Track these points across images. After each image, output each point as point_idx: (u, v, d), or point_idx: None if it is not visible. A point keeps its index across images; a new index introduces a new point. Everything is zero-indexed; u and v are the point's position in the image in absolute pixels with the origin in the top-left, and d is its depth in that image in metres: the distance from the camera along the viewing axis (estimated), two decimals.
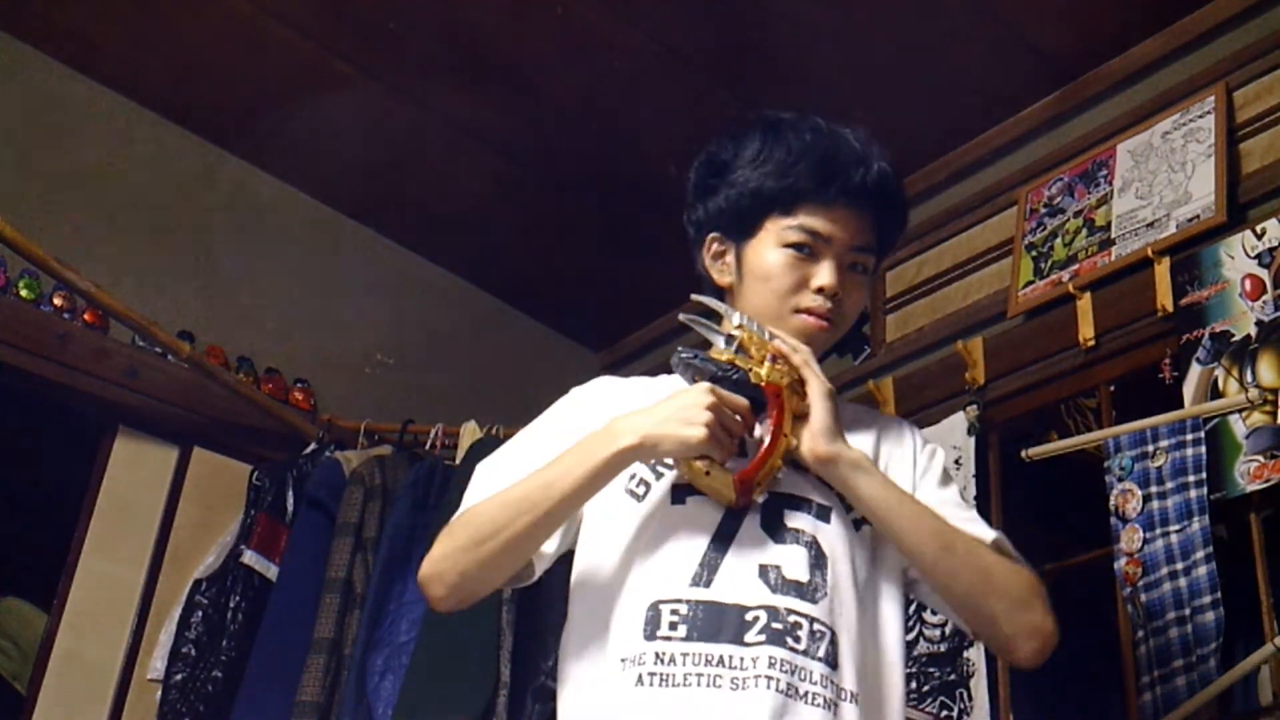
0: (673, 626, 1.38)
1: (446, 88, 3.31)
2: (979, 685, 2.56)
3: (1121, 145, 2.88)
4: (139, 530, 3.11)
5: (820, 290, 1.52)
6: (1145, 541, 2.36)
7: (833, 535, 1.48)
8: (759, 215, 1.54)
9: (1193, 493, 2.33)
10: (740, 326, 1.48)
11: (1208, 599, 2.22)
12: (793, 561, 1.44)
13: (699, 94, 3.16)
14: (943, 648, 2.65)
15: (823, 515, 1.49)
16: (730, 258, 1.59)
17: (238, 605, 2.97)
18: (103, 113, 3.34)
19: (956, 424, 2.82)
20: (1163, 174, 2.74)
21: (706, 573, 1.42)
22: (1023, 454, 2.65)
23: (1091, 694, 3.22)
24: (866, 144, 1.57)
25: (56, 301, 3.06)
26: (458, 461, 3.08)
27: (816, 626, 1.40)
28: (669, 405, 1.41)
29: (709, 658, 1.37)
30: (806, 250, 1.52)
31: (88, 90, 3.32)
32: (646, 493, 1.48)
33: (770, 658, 1.36)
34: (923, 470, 1.61)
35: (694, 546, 1.44)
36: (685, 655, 1.37)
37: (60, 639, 2.96)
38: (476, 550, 1.44)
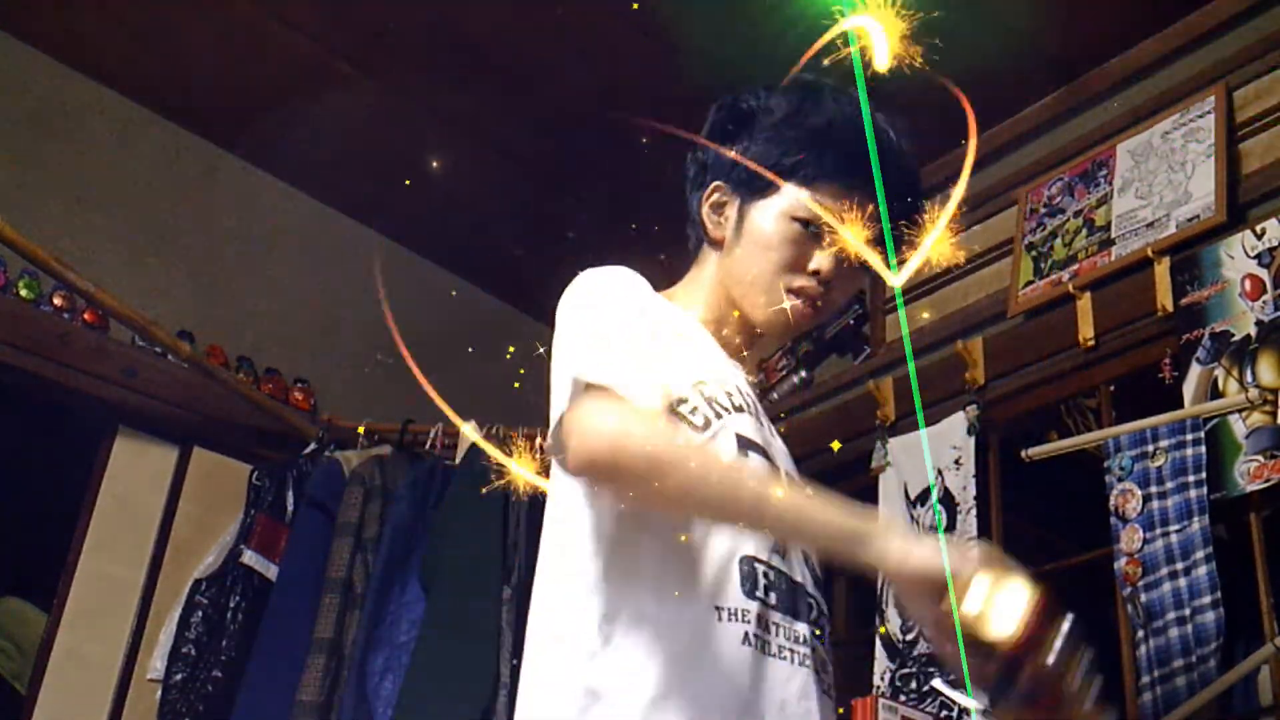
0: (767, 591, 1.30)
1: (446, 88, 3.31)
2: None
3: (1121, 145, 2.88)
4: (139, 530, 3.12)
5: (815, 274, 1.43)
6: (1145, 541, 2.36)
7: None
8: (776, 178, 1.43)
9: (1193, 493, 2.32)
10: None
11: (1208, 599, 2.22)
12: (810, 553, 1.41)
13: (699, 93, 3.16)
14: None
15: None
16: (731, 212, 1.48)
17: (238, 605, 2.98)
18: (103, 113, 3.34)
19: (956, 424, 2.82)
20: (1163, 174, 2.74)
21: (780, 542, 1.34)
22: (1023, 454, 2.65)
23: None
24: (902, 140, 1.47)
25: (56, 301, 3.06)
26: (457, 461, 3.08)
27: (826, 626, 1.39)
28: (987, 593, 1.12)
29: (796, 635, 1.31)
30: (813, 229, 1.42)
31: (88, 90, 3.32)
32: (706, 427, 1.34)
33: (823, 649, 1.35)
34: None
35: None
36: (778, 626, 1.30)
37: (60, 639, 2.96)
38: (668, 481, 1.20)
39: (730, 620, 1.27)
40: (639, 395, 1.24)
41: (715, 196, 1.50)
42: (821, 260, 1.43)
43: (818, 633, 1.35)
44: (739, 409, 1.38)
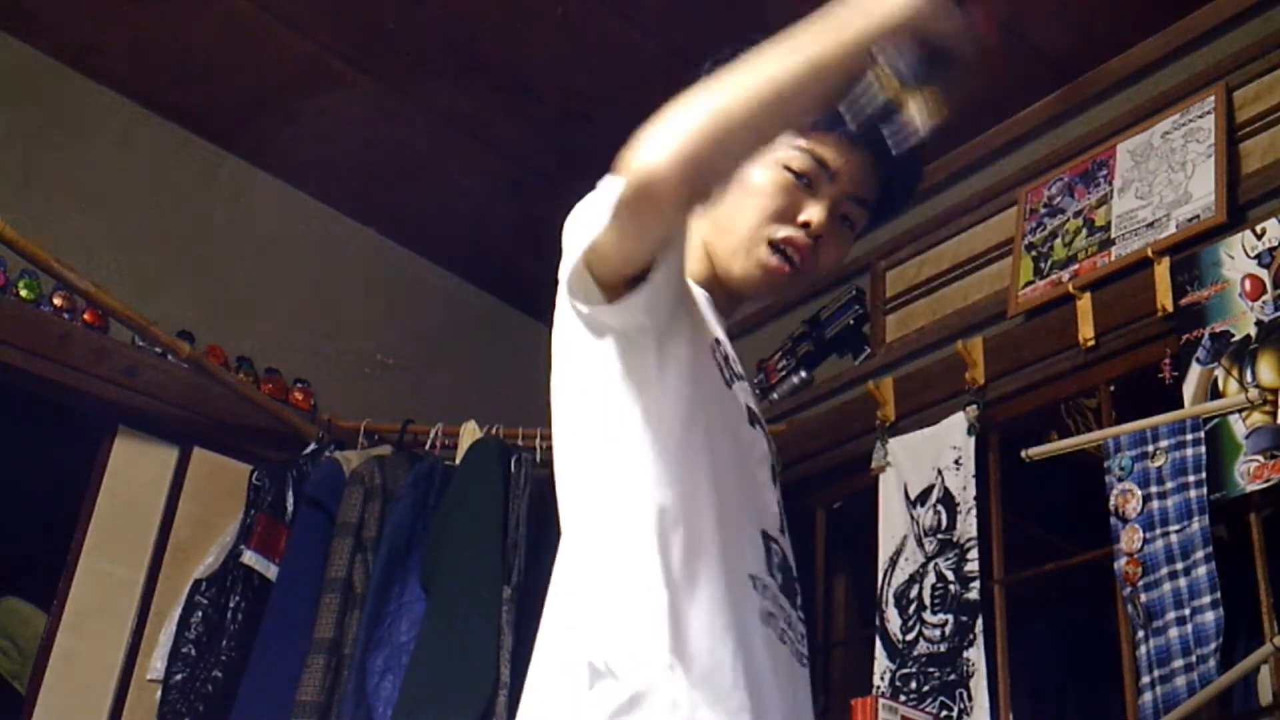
0: (775, 571, 1.24)
1: (446, 88, 3.31)
2: (979, 685, 2.56)
3: (1121, 145, 2.88)
4: (139, 530, 3.11)
5: (805, 225, 1.33)
6: (1145, 541, 2.36)
7: None
8: None
9: (1193, 493, 2.33)
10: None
11: (1208, 599, 2.22)
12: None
13: None
14: (943, 648, 2.65)
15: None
16: None
17: (238, 605, 2.97)
18: (103, 113, 3.34)
19: (956, 424, 2.82)
20: (1163, 174, 2.74)
21: (780, 522, 1.30)
22: (1023, 454, 2.65)
23: (1091, 694, 3.22)
24: None
25: (56, 301, 3.06)
26: (458, 461, 3.08)
27: (799, 614, 1.33)
28: None
29: (790, 622, 1.24)
30: (806, 181, 1.33)
31: (88, 90, 3.32)
32: (731, 382, 1.30)
33: (804, 635, 1.29)
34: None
35: (767, 486, 1.31)
36: (781, 610, 1.23)
37: (60, 639, 2.96)
38: (716, 121, 1.21)
39: (757, 591, 1.21)
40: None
41: None
42: (814, 211, 1.33)
43: (802, 617, 1.30)
44: (739, 377, 1.34)
